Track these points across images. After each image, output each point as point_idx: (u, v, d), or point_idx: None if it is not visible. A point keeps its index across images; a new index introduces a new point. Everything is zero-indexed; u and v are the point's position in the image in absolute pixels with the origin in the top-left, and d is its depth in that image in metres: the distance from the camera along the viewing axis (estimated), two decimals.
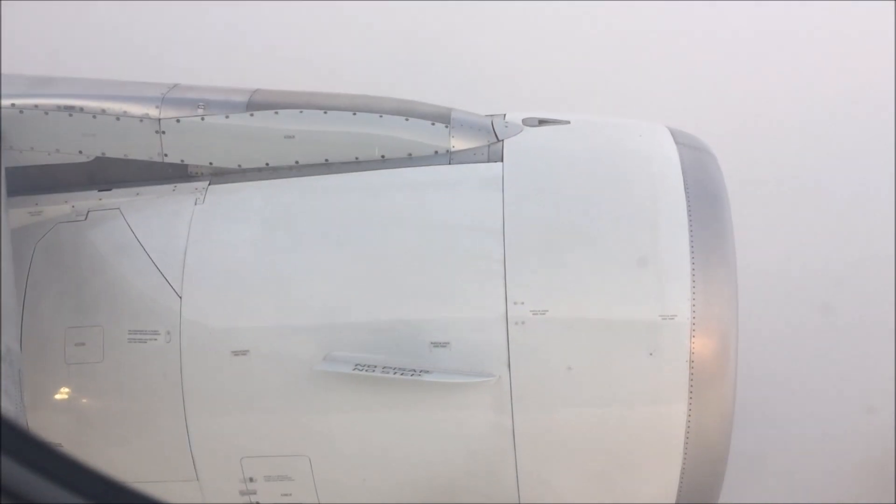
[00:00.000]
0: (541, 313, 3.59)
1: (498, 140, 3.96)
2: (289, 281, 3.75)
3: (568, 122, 4.06)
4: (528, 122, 4.04)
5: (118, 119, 3.98)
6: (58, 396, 3.80)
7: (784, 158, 6.91)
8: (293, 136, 3.97)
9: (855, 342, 6.30)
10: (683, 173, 3.80)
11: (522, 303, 3.60)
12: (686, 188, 3.76)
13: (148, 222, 3.89)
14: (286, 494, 3.81)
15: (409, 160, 3.96)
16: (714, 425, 3.70)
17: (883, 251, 6.50)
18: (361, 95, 4.10)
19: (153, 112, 3.99)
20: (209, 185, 3.98)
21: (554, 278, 3.64)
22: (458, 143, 3.96)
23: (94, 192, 4.02)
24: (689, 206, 3.71)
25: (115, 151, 4.03)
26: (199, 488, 3.81)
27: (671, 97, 6.85)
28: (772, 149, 6.94)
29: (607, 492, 3.82)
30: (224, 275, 3.78)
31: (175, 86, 4.11)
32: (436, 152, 3.96)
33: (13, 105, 3.98)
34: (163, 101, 4.00)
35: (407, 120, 3.97)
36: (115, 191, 4.02)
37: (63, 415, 3.81)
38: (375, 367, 3.60)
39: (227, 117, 3.99)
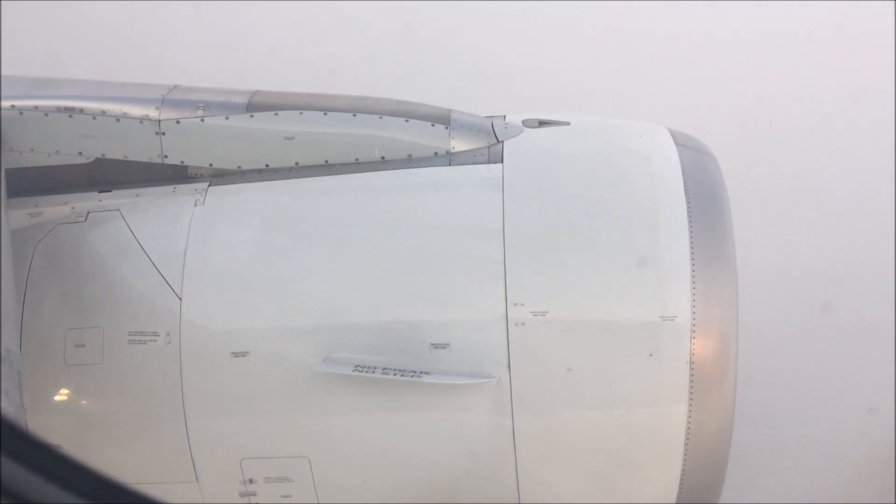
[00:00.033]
0: (541, 314, 3.59)
1: (498, 141, 3.96)
2: (289, 282, 3.75)
3: (568, 124, 4.06)
4: (528, 124, 4.04)
5: (118, 120, 3.98)
6: (58, 398, 3.80)
7: (784, 159, 6.91)
8: (293, 138, 3.97)
9: (855, 342, 6.30)
10: (683, 174, 3.80)
11: (522, 304, 3.59)
12: (686, 189, 3.76)
13: (148, 224, 3.89)
14: (286, 496, 3.81)
15: (409, 161, 3.96)
16: (714, 426, 3.70)
17: (883, 251, 6.50)
18: (361, 97, 4.10)
19: (153, 113, 3.98)
20: (209, 186, 3.98)
21: (554, 279, 3.64)
22: (458, 145, 3.96)
23: (94, 194, 4.02)
24: (689, 207, 3.71)
25: (114, 153, 4.03)
26: (199, 489, 3.81)
27: (671, 98, 6.85)
28: (771, 150, 6.94)
29: (607, 493, 3.82)
30: (224, 276, 3.77)
31: (175, 87, 4.10)
32: (436, 153, 3.96)
33: (13, 106, 3.98)
34: (163, 103, 4.00)
35: (407, 121, 3.97)
36: (114, 192, 4.02)
37: (63, 416, 3.81)
38: (375, 368, 3.59)
39: (227, 119, 3.99)
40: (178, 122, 3.99)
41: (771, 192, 6.66)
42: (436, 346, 3.61)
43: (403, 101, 4.08)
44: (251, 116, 3.98)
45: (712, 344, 3.61)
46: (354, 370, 3.59)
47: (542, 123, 4.05)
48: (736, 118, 6.88)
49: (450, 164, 3.94)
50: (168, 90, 4.07)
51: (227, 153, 4.02)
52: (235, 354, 3.66)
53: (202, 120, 3.99)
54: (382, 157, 3.97)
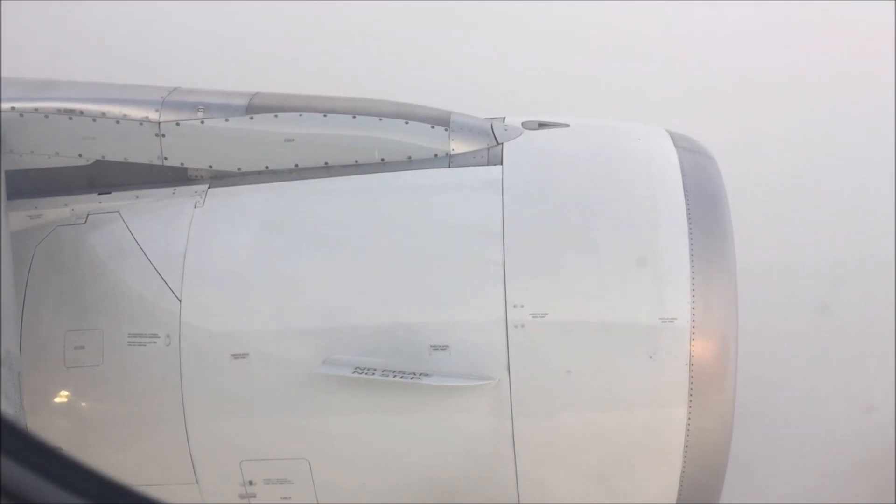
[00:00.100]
0: (540, 316, 3.59)
1: (497, 143, 3.97)
2: (289, 284, 3.75)
3: (567, 126, 4.06)
4: (527, 126, 4.04)
5: (118, 122, 3.99)
6: (57, 400, 3.80)
7: (783, 160, 6.90)
8: (293, 140, 3.98)
9: (854, 342, 6.30)
10: (683, 176, 3.81)
11: (522, 306, 3.60)
12: (686, 191, 3.76)
13: (147, 225, 3.89)
14: (286, 497, 3.81)
15: (409, 163, 3.96)
16: (714, 428, 3.70)
17: (882, 252, 6.49)
18: (361, 98, 4.10)
19: (153, 115, 3.99)
20: (209, 188, 3.98)
21: (553, 281, 3.64)
22: (457, 147, 3.96)
23: (94, 196, 4.02)
24: (688, 209, 3.72)
25: (114, 155, 4.03)
26: (199, 491, 3.81)
27: (670, 100, 6.85)
28: (771, 151, 6.93)
29: (607, 494, 3.82)
30: (224, 278, 3.78)
31: (175, 89, 4.11)
32: (435, 155, 3.97)
33: (13, 108, 3.98)
34: (162, 105, 4.00)
35: (406, 123, 3.98)
36: (114, 194, 4.02)
37: (63, 418, 3.82)
38: (375, 370, 3.60)
39: (226, 120, 3.99)
40: (177, 124, 3.99)
41: (770, 193, 6.65)
42: (435, 347, 3.61)
43: (403, 103, 4.08)
44: (251, 118, 3.99)
45: (712, 346, 3.61)
46: (354, 372, 3.59)
47: (541, 125, 4.05)
48: (735, 120, 6.87)
49: (449, 166, 3.95)
50: (168, 92, 4.07)
51: (226, 155, 4.02)
52: (235, 356, 3.67)
53: (202, 122, 3.99)
54: (382, 159, 3.97)
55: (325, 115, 3.99)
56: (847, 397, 6.16)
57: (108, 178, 4.06)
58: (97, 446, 3.78)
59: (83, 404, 3.83)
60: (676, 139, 4.02)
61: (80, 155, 4.04)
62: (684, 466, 3.71)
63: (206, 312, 3.73)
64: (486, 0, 7.52)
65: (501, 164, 3.88)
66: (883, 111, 6.98)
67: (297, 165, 4.00)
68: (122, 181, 4.05)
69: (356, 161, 3.98)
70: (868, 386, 6.15)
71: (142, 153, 4.02)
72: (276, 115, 3.99)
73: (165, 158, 4.03)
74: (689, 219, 3.69)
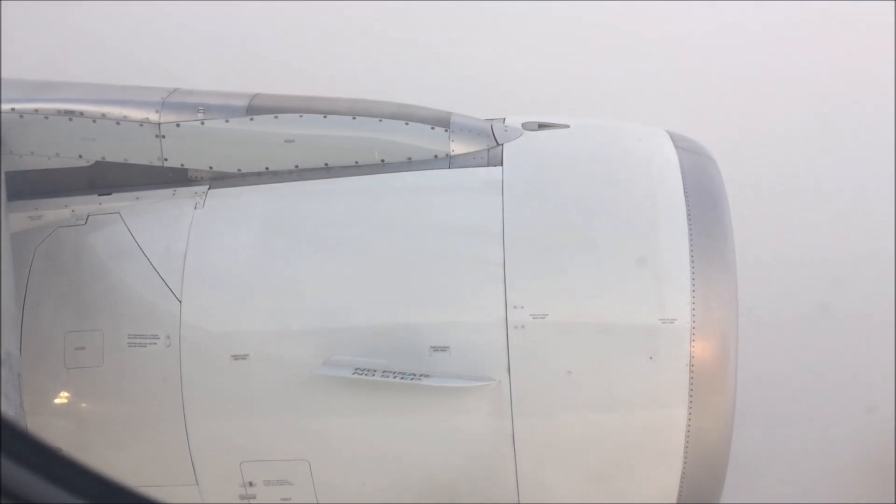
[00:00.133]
0: (541, 317, 3.59)
1: (497, 144, 3.97)
2: (289, 285, 3.75)
3: (567, 126, 4.06)
4: (527, 126, 4.04)
5: (118, 123, 3.99)
6: (57, 400, 3.80)
7: (783, 161, 6.90)
8: (293, 141, 3.98)
9: (855, 342, 6.30)
10: (683, 177, 3.81)
11: (522, 306, 3.60)
12: (686, 192, 3.76)
13: (148, 227, 3.89)
14: (286, 498, 3.81)
15: (409, 164, 3.96)
16: (714, 429, 3.70)
17: (883, 251, 6.50)
18: (361, 99, 4.10)
19: (153, 116, 3.99)
20: (209, 189, 3.98)
21: (554, 282, 3.64)
22: (457, 147, 3.96)
23: (94, 197, 4.02)
24: (688, 209, 3.72)
25: (115, 156, 4.03)
26: (199, 492, 3.81)
27: (670, 101, 6.85)
28: (771, 151, 6.94)
29: (607, 495, 3.82)
30: (224, 279, 3.78)
31: (175, 90, 4.11)
32: (435, 156, 3.97)
33: (13, 109, 3.98)
34: (163, 106, 4.00)
35: (406, 124, 3.98)
36: (115, 195, 4.02)
37: (63, 419, 3.82)
38: (375, 371, 3.60)
39: (226, 121, 3.99)
40: (178, 125, 3.99)
41: (770, 193, 6.66)
42: (435, 348, 3.61)
43: (403, 104, 4.08)
44: (251, 119, 3.99)
45: (712, 346, 3.61)
46: (354, 373, 3.59)
47: (541, 126, 4.05)
48: (735, 120, 6.87)
49: (449, 167, 3.95)
50: (168, 93, 4.07)
51: (227, 156, 4.02)
52: (235, 357, 3.67)
53: (202, 123, 3.99)
54: (382, 160, 3.97)
55: (325, 116, 3.99)
56: (847, 398, 6.16)
57: (108, 179, 4.06)
58: (97, 447, 3.78)
59: (83, 405, 3.83)
60: (676, 139, 4.02)
61: (80, 156, 4.04)
62: (684, 467, 3.71)
63: (207, 313, 3.73)
64: (486, 0, 7.52)
65: (501, 164, 3.88)
66: (883, 111, 6.98)
67: (297, 166, 4.00)
68: (122, 182, 4.05)
69: (356, 162, 3.98)
70: (868, 386, 6.16)
71: (142, 154, 4.02)
72: (276, 117, 3.99)
73: (166, 159, 4.03)
74: (689, 219, 3.69)
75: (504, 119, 4.11)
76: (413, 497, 3.81)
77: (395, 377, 3.58)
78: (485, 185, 3.82)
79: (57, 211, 3.99)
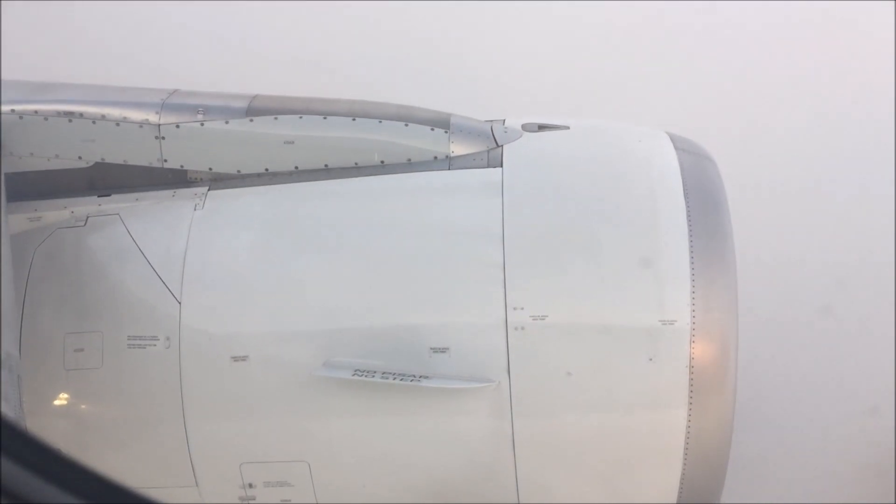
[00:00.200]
0: (540, 318, 3.59)
1: (497, 145, 3.96)
2: (288, 286, 3.75)
3: (567, 128, 4.06)
4: (527, 128, 4.04)
5: (118, 125, 3.98)
6: (57, 402, 3.80)
7: (783, 162, 6.91)
8: (293, 142, 3.97)
9: (856, 344, 6.30)
10: (683, 178, 3.80)
11: (522, 308, 3.59)
12: (686, 193, 3.76)
13: (147, 228, 3.89)
14: (285, 500, 3.81)
15: (409, 165, 3.96)
16: (714, 430, 3.70)
17: (884, 252, 6.50)
18: (361, 101, 4.10)
19: (153, 117, 3.99)
20: (209, 190, 3.98)
21: (553, 283, 3.64)
22: (457, 149, 3.96)
23: (94, 198, 4.02)
24: (688, 211, 3.71)
25: (114, 157, 4.03)
26: (199, 494, 3.81)
27: (670, 102, 6.85)
28: (771, 153, 6.94)
29: (607, 496, 3.82)
30: (223, 280, 3.78)
31: (175, 91, 4.11)
32: (435, 158, 3.96)
33: (13, 111, 3.98)
34: (162, 107, 4.00)
35: (406, 125, 3.97)
36: (114, 196, 4.02)
37: (62, 420, 3.81)
38: (375, 372, 3.60)
39: (226, 123, 3.99)
40: (177, 127, 3.99)
41: (770, 195, 6.66)
42: (435, 350, 3.61)
43: (403, 106, 4.08)
44: (251, 121, 3.99)
45: (712, 348, 3.61)
46: (354, 374, 3.59)
47: (541, 127, 4.05)
48: (735, 122, 6.87)
49: (449, 168, 3.95)
50: (168, 94, 4.07)
51: (226, 157, 4.02)
52: (235, 359, 3.66)
53: (202, 124, 3.99)
54: (382, 162, 3.97)
55: (324, 118, 3.99)
56: (847, 399, 6.16)
57: (107, 180, 4.06)
58: (97, 449, 3.78)
59: (83, 407, 3.83)
60: (676, 141, 4.02)
61: (79, 157, 4.04)
62: (684, 467, 3.71)
63: (206, 315, 3.73)
64: (487, 0, 7.52)
65: (501, 166, 3.88)
66: (883, 111, 6.98)
67: (296, 168, 4.00)
68: (121, 183, 4.05)
69: (356, 163, 3.98)
70: (868, 387, 6.15)
71: (141, 155, 4.02)
72: (275, 118, 3.99)
73: (165, 161, 4.02)
74: (689, 221, 3.69)
75: (504, 120, 4.11)
76: (413, 498, 3.81)
77: (394, 378, 3.58)
78: (485, 186, 3.82)
79: (56, 212, 3.99)
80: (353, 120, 3.98)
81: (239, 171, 4.03)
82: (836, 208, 6.82)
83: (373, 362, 3.61)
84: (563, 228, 3.71)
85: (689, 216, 3.70)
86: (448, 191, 3.88)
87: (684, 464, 3.71)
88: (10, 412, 3.05)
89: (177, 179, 4.04)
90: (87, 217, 3.97)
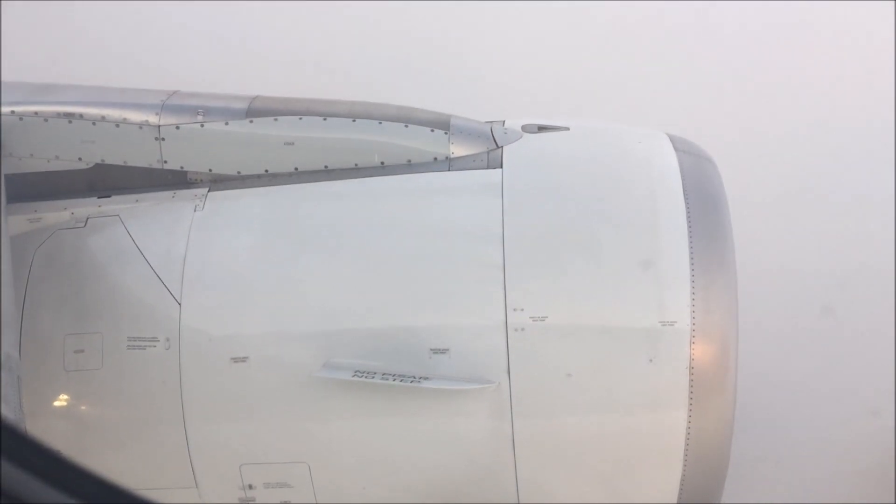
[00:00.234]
0: (540, 320, 3.59)
1: (497, 146, 3.96)
2: (288, 287, 3.75)
3: (567, 129, 4.06)
4: (527, 129, 4.04)
5: (118, 126, 3.99)
6: (57, 403, 3.80)
7: (783, 163, 6.91)
8: (293, 143, 3.97)
9: (857, 345, 6.30)
10: (683, 180, 3.80)
11: (522, 309, 3.59)
12: (686, 194, 3.76)
13: (147, 229, 3.89)
14: (285, 501, 3.81)
15: (409, 167, 3.96)
16: (714, 431, 3.70)
17: (884, 254, 6.49)
18: (361, 102, 4.10)
19: (153, 119, 3.99)
20: (208, 191, 3.98)
21: (553, 284, 3.64)
22: (457, 150, 3.96)
23: (94, 199, 4.02)
24: (688, 212, 3.71)
25: (114, 158, 4.03)
26: (198, 495, 3.81)
27: (670, 103, 6.85)
28: (771, 154, 6.94)
29: (607, 497, 3.82)
30: (224, 281, 3.78)
31: (175, 92, 4.11)
32: (435, 159, 3.96)
33: (13, 112, 3.98)
34: (162, 108, 4.00)
35: (406, 126, 3.97)
36: (114, 197, 4.02)
37: (62, 421, 3.81)
38: (375, 373, 3.60)
39: (226, 124, 3.99)
40: (177, 128, 3.99)
41: (770, 196, 6.66)
42: (435, 351, 3.61)
43: (403, 107, 4.08)
44: (251, 122, 3.99)
45: (712, 349, 3.61)
46: (354, 375, 3.59)
47: (541, 129, 4.05)
48: (735, 123, 6.88)
49: (449, 170, 3.94)
50: (168, 95, 4.07)
51: (226, 158, 4.02)
52: (235, 360, 3.66)
53: (202, 125, 3.99)
54: (382, 163, 3.97)
55: (324, 119, 3.99)
56: (848, 400, 6.15)
57: (107, 181, 4.06)
58: (96, 450, 3.77)
59: (83, 408, 3.83)
60: (676, 142, 4.01)
61: (79, 158, 4.04)
62: (685, 469, 3.71)
63: (206, 316, 3.73)
64: (487, 1, 7.52)
65: (501, 167, 3.88)
66: (884, 112, 6.98)
67: (296, 169, 4.00)
68: (121, 185, 4.05)
69: (356, 164, 3.98)
70: (870, 389, 6.15)
71: (141, 157, 4.02)
72: (275, 119, 3.99)
73: (165, 162, 4.02)
74: (689, 222, 3.69)
75: (504, 121, 4.11)
76: (413, 499, 3.81)
77: (394, 380, 3.58)
78: (484, 187, 3.82)
79: (56, 213, 3.99)
80: (353, 121, 3.98)
81: (239, 173, 4.03)
82: (837, 209, 6.82)
83: (373, 363, 3.61)
84: (563, 229, 3.71)
85: (688, 217, 3.70)
86: (448, 192, 3.88)
87: (684, 464, 3.71)
88: (9, 413, 3.05)
89: (177, 180, 4.04)
90: (87, 218, 3.97)
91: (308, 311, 3.71)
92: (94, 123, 3.98)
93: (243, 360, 3.66)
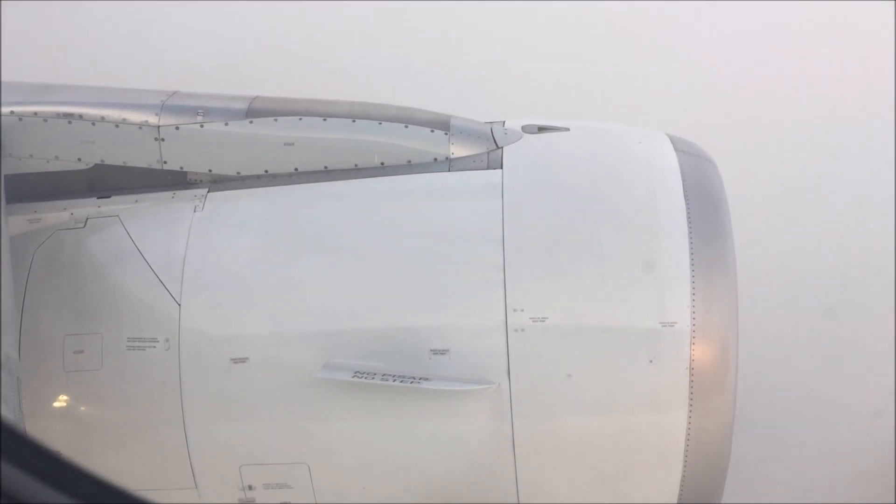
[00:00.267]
0: (540, 320, 3.59)
1: (497, 147, 3.96)
2: (288, 288, 3.75)
3: (567, 129, 4.06)
4: (527, 129, 4.04)
5: (117, 126, 3.98)
6: (56, 404, 3.79)
7: (783, 163, 6.91)
8: (292, 144, 3.97)
9: (857, 346, 6.30)
10: (683, 180, 3.80)
11: (522, 310, 3.59)
12: (686, 195, 3.75)
13: (147, 230, 3.89)
14: (285, 502, 3.81)
15: (409, 167, 3.96)
16: (714, 432, 3.70)
17: (885, 255, 6.49)
18: (361, 102, 4.10)
19: (152, 119, 3.98)
20: (208, 192, 3.98)
21: (554, 285, 3.64)
22: (457, 151, 3.96)
23: (93, 200, 4.02)
24: (688, 212, 3.71)
25: (114, 159, 4.03)
26: (198, 495, 3.81)
27: (670, 104, 6.85)
28: (771, 155, 6.94)
29: (607, 498, 3.82)
30: (223, 282, 3.77)
31: (174, 93, 4.10)
32: (435, 159, 3.96)
33: (12, 112, 3.98)
34: (162, 109, 4.00)
35: (406, 127, 3.97)
36: (114, 198, 4.02)
37: (62, 422, 3.81)
38: (375, 374, 3.59)
39: (226, 124, 3.99)
40: (177, 128, 3.99)
41: (770, 196, 6.66)
42: (435, 352, 3.61)
43: (403, 107, 4.08)
44: (250, 122, 3.98)
45: (712, 350, 3.61)
46: (354, 376, 3.59)
47: (541, 129, 4.05)
48: (735, 123, 6.87)
49: (449, 170, 3.94)
50: (167, 96, 4.07)
51: (226, 159, 4.02)
52: (235, 360, 3.66)
53: (201, 126, 3.99)
54: (382, 163, 3.97)
55: (324, 119, 3.99)
56: (848, 400, 6.16)
57: (107, 182, 4.05)
58: (96, 451, 3.77)
59: (82, 409, 3.82)
60: (676, 143, 4.01)
61: (79, 159, 4.04)
62: (685, 469, 3.71)
63: (206, 316, 3.73)
64: (487, 1, 7.52)
65: (501, 168, 3.87)
66: (884, 112, 6.98)
67: (296, 169, 4.00)
68: (121, 185, 4.04)
69: (356, 165, 3.98)
70: (871, 390, 6.15)
71: (141, 157, 4.02)
72: (275, 119, 3.98)
73: (165, 162, 4.02)
74: (689, 222, 3.69)
75: (504, 122, 4.11)
76: (413, 499, 3.81)
77: (394, 380, 3.58)
78: (485, 188, 3.81)
79: (56, 214, 3.98)
80: (353, 121, 3.98)
81: (239, 173, 4.02)
82: (837, 209, 6.82)
83: (373, 364, 3.61)
84: (564, 230, 3.71)
85: (689, 218, 3.70)
86: (448, 192, 3.88)
87: (685, 465, 3.70)
88: (9, 414, 3.05)
89: (176, 181, 4.04)
90: (87, 219, 3.97)
91: (308, 312, 3.71)
92: (93, 124, 3.98)
93: (243, 360, 3.66)
